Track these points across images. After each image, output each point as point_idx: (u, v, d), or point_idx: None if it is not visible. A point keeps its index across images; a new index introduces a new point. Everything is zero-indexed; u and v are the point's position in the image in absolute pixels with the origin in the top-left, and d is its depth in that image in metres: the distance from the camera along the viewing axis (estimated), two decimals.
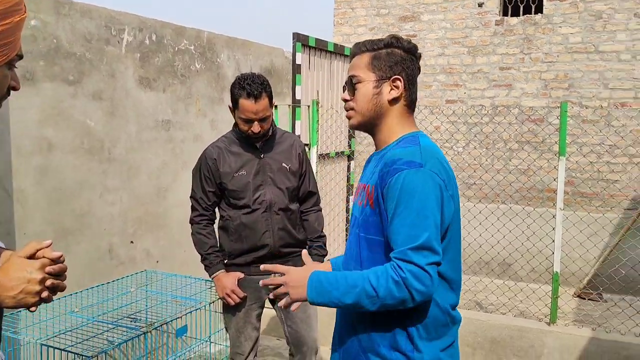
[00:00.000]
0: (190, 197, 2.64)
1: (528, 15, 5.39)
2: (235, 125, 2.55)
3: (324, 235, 2.71)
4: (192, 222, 2.64)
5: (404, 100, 1.53)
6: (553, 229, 3.73)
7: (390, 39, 1.55)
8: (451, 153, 5.59)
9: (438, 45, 5.72)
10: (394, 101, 1.52)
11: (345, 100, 1.58)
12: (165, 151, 3.66)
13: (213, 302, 2.88)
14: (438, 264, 1.36)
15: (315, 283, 1.43)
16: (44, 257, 1.19)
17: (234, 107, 2.46)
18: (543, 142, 5.29)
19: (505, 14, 5.54)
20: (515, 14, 5.49)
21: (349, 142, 5.89)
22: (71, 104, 2.99)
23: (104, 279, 3.19)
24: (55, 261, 1.19)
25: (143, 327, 2.49)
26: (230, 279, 2.53)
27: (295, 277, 1.47)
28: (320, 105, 4.98)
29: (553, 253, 3.72)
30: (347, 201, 5.87)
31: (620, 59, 5.05)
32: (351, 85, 1.56)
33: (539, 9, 5.39)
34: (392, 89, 1.52)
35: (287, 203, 2.56)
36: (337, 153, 5.57)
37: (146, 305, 3.16)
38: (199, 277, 3.32)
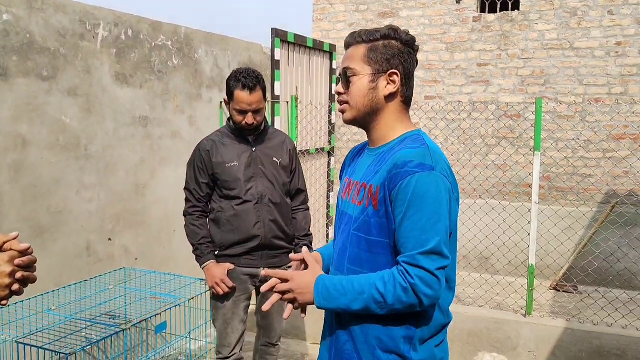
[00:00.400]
0: (185, 188, 2.72)
1: (505, 12, 5.46)
2: (229, 120, 2.65)
3: (311, 234, 2.80)
4: (185, 213, 2.71)
5: (401, 96, 1.49)
6: (529, 222, 3.81)
7: (388, 30, 1.48)
8: None
9: (417, 41, 5.75)
10: (390, 97, 1.48)
11: (339, 94, 1.52)
12: (143, 148, 3.63)
13: (192, 298, 2.88)
14: (446, 267, 1.36)
15: (321, 289, 1.41)
16: (11, 249, 1.18)
17: (229, 99, 2.56)
18: (519, 138, 5.38)
19: (483, 10, 5.61)
20: (493, 10, 5.56)
21: (329, 139, 5.91)
22: (46, 100, 2.95)
23: (82, 276, 3.16)
24: (23, 253, 1.18)
25: (122, 324, 2.48)
26: (220, 269, 2.60)
27: (301, 283, 1.44)
28: (299, 102, 4.99)
29: (529, 246, 3.80)
30: (328, 197, 5.90)
31: (595, 55, 5.15)
32: (345, 78, 1.50)
33: (516, 6, 5.47)
34: (388, 84, 1.46)
35: (278, 196, 2.65)
36: (317, 149, 5.58)
37: (125, 303, 3.15)
38: (178, 274, 3.31)
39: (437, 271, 1.32)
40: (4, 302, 1.16)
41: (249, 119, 2.52)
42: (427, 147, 1.41)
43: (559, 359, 3.55)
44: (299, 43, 5.27)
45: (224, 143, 2.61)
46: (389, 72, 1.46)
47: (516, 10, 5.42)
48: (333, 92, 5.99)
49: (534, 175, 3.70)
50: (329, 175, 5.89)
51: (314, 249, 1.82)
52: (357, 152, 1.70)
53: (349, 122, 1.54)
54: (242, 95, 2.48)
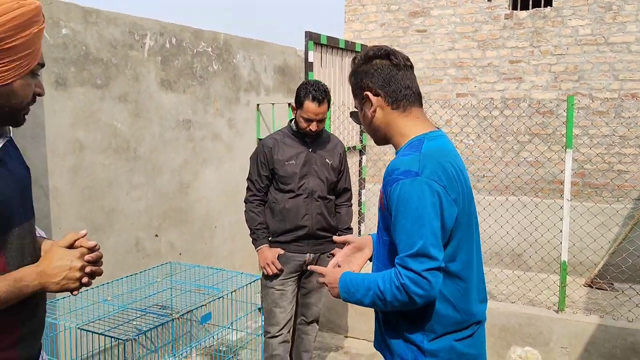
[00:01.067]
0: (247, 179, 3.05)
1: (537, 8, 5.46)
2: (291, 121, 2.99)
3: (351, 228, 3.14)
4: (246, 201, 3.04)
5: (388, 105, 1.53)
6: (561, 219, 3.85)
7: (352, 61, 1.59)
8: (462, 146, 5.70)
9: (448, 39, 5.82)
10: (376, 112, 1.54)
11: (355, 119, 1.68)
12: (186, 150, 3.85)
13: (234, 290, 3.07)
14: (438, 269, 1.40)
15: (343, 285, 1.57)
16: (81, 246, 1.36)
17: (298, 107, 2.86)
18: (552, 135, 5.37)
19: (514, 7, 5.62)
20: (525, 7, 5.56)
21: (360, 137, 6.03)
22: (99, 106, 3.19)
23: (132, 270, 3.39)
24: (91, 250, 1.36)
25: (171, 314, 2.68)
26: (272, 252, 2.94)
27: (332, 278, 1.62)
28: (332, 102, 5.13)
29: (561, 243, 3.84)
30: (359, 195, 6.02)
31: (631, 50, 5.10)
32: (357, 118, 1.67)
33: (548, 2, 5.46)
34: (367, 104, 1.55)
35: (326, 193, 2.99)
36: (349, 148, 5.71)
37: (171, 295, 3.37)
38: (220, 267, 3.51)
39: (425, 272, 1.39)
40: (75, 292, 1.34)
41: (313, 126, 2.86)
42: (419, 153, 1.46)
43: (592, 355, 3.59)
44: (332, 45, 5.40)
45: (284, 142, 2.95)
46: (363, 95, 1.55)
47: (549, 7, 5.41)
48: None
49: (565, 173, 3.74)
50: (360, 173, 6.01)
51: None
52: None
53: (378, 145, 1.68)
54: (311, 106, 2.80)
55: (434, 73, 5.91)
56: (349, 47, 5.72)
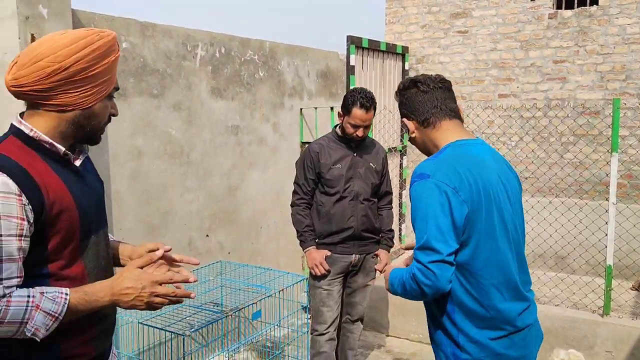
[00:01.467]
0: (294, 182, 3.18)
1: (583, 7, 5.37)
2: (336, 127, 3.13)
3: (393, 230, 3.25)
4: (293, 204, 3.16)
5: (419, 124, 1.77)
6: (606, 223, 3.81)
7: (396, 92, 1.86)
8: (504, 149, 5.68)
9: (490, 40, 5.79)
10: (414, 133, 1.79)
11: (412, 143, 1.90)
12: (234, 154, 4.02)
13: (282, 290, 3.22)
14: (442, 261, 1.55)
15: (390, 279, 1.79)
16: (163, 262, 1.47)
17: (345, 113, 2.98)
18: (598, 136, 5.29)
19: (559, 7, 5.54)
20: (570, 6, 5.48)
21: (401, 138, 6.09)
22: (156, 115, 3.39)
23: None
24: (172, 261, 1.47)
25: (224, 311, 2.85)
26: (320, 254, 3.06)
27: (386, 275, 1.85)
28: None
29: (606, 246, 3.81)
30: (400, 196, 6.08)
31: None
32: None
33: (594, 1, 5.36)
34: (408, 128, 1.81)
35: (370, 195, 3.10)
36: (390, 149, 5.78)
37: (221, 292, 3.54)
38: (266, 267, 3.67)
39: (431, 264, 1.56)
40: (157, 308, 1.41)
41: (360, 132, 2.97)
42: (437, 158, 1.68)
43: (638, 359, 3.56)
44: (373, 48, 5.48)
45: (330, 147, 3.07)
46: (403, 123, 1.84)
47: (594, 5, 5.32)
48: None
49: (611, 176, 3.70)
50: (401, 174, 6.07)
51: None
52: None
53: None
54: (359, 113, 2.91)
55: (475, 74, 5.90)
56: (390, 49, 5.78)
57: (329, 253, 3.06)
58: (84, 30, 1.36)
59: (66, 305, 1.25)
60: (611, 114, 5.00)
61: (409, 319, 4.27)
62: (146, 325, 2.71)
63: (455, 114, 1.77)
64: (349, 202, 3.03)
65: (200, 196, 3.76)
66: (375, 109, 2.98)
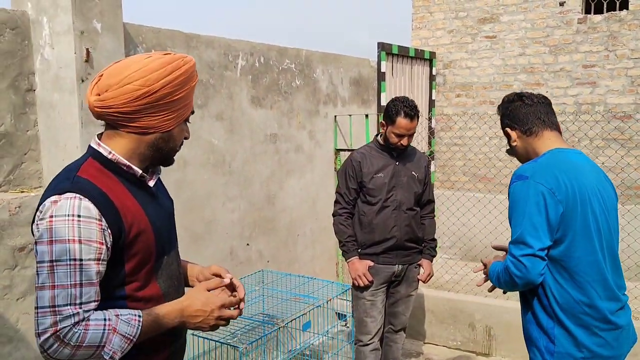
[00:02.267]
0: (336, 192, 3.15)
1: (612, 12, 5.35)
2: (377, 135, 3.10)
3: (436, 240, 3.19)
4: (335, 214, 3.12)
5: (521, 133, 1.91)
6: None
7: (499, 106, 2.01)
8: None
9: (518, 45, 5.78)
10: (517, 142, 1.93)
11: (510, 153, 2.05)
12: (273, 162, 4.03)
13: (329, 300, 3.22)
14: (534, 255, 1.69)
15: (489, 273, 1.95)
16: (224, 287, 1.43)
17: (389, 123, 2.94)
18: (631, 140, 5.26)
19: (587, 11, 5.52)
20: (599, 11, 5.45)
21: (429, 142, 6.08)
22: (200, 125, 3.41)
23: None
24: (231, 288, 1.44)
25: (277, 322, 2.86)
26: (362, 264, 3.01)
27: (488, 268, 2.00)
28: None
29: None
30: None
31: None
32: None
33: (624, 5, 5.33)
34: (510, 137, 1.95)
35: (413, 204, 3.06)
36: None
37: (263, 302, 3.55)
38: (309, 276, 3.67)
39: (522, 257, 1.71)
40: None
41: (404, 141, 2.94)
42: (536, 162, 1.82)
43: None
44: (402, 54, 5.49)
45: (372, 156, 3.04)
46: (506, 132, 1.97)
47: (624, 10, 5.29)
48: (433, 98, 6.15)
49: None
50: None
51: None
52: None
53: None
54: (403, 122, 2.88)
55: (504, 79, 5.88)
56: (418, 55, 5.79)
57: (371, 263, 3.02)
58: (169, 55, 1.38)
59: (140, 328, 1.27)
60: None
61: (446, 326, 4.26)
62: (201, 337, 2.72)
63: (556, 127, 1.91)
64: (392, 212, 3.00)
65: (242, 205, 3.77)
66: (418, 117, 2.96)
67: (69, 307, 1.20)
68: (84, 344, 1.20)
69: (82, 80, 2.65)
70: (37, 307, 1.21)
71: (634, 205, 5.12)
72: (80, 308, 1.21)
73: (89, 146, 1.38)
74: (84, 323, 1.21)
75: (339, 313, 4.30)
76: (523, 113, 1.91)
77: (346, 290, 3.35)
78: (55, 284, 1.20)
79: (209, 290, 1.42)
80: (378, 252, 3.02)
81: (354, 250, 3.05)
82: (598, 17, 5.40)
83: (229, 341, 2.61)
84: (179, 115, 1.39)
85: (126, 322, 1.25)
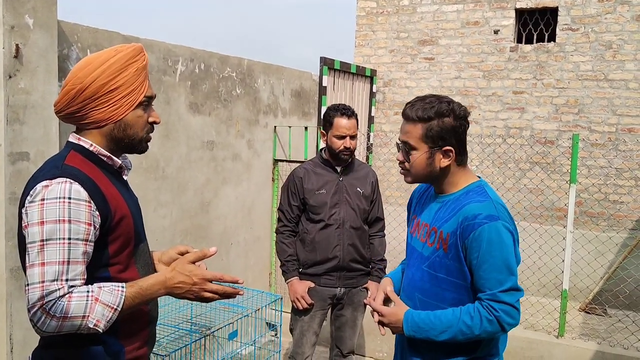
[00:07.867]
0: (278, 209, 3.04)
1: (541, 43, 5.72)
2: (321, 151, 2.98)
3: (385, 260, 3.05)
4: (277, 231, 3.01)
5: (456, 162, 1.70)
6: (563, 249, 4.05)
7: (442, 108, 1.65)
8: None
9: (455, 68, 6.05)
10: (446, 167, 1.70)
11: (400, 162, 1.76)
12: (209, 169, 4.01)
13: (259, 309, 3.22)
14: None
15: (411, 323, 1.70)
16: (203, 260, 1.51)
17: (328, 127, 2.85)
18: (552, 164, 5.61)
19: (519, 41, 5.88)
20: (529, 41, 5.82)
21: (367, 158, 6.23)
22: None
23: None
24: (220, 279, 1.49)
25: (203, 330, 2.83)
26: (302, 286, 2.88)
27: (392, 318, 1.75)
28: None
29: (562, 271, 4.04)
30: None
31: (629, 87, 5.37)
32: (405, 150, 1.73)
33: (552, 38, 5.72)
34: (443, 158, 1.68)
35: (358, 222, 2.91)
36: None
37: (191, 310, 3.50)
38: (241, 286, 3.65)
39: (517, 303, 1.62)
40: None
41: (347, 143, 2.80)
42: (491, 200, 1.66)
43: None
44: (344, 69, 5.61)
45: (315, 172, 2.91)
46: (444, 149, 1.67)
47: (552, 42, 5.67)
48: (372, 114, 6.31)
49: (569, 206, 3.95)
50: None
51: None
52: (423, 192, 1.95)
53: (410, 183, 1.79)
54: (341, 121, 2.79)
55: None
56: (360, 71, 5.93)
57: (312, 285, 2.89)
58: (107, 50, 1.43)
59: (123, 297, 1.33)
60: (565, 143, 5.34)
61: (372, 338, 4.35)
62: None
63: None
64: (335, 230, 2.85)
65: (174, 211, 3.71)
66: (357, 118, 2.87)
67: (55, 282, 1.27)
68: (68, 315, 1.26)
69: (10, 77, 2.55)
70: (27, 285, 1.28)
71: (550, 225, 5.46)
72: (67, 283, 1.28)
73: (68, 141, 1.45)
74: (67, 296, 1.27)
75: (269, 323, 4.30)
76: (464, 138, 1.71)
77: (276, 300, 3.37)
78: (45, 261, 1.27)
79: (193, 263, 1.47)
80: (319, 273, 2.89)
81: (294, 270, 2.92)
82: (528, 47, 5.76)
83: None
84: (127, 101, 1.42)
85: (109, 292, 1.32)
